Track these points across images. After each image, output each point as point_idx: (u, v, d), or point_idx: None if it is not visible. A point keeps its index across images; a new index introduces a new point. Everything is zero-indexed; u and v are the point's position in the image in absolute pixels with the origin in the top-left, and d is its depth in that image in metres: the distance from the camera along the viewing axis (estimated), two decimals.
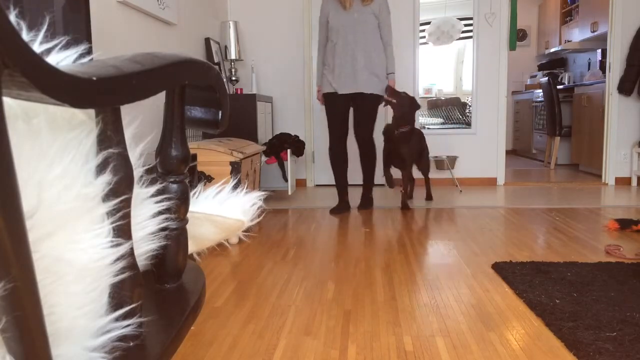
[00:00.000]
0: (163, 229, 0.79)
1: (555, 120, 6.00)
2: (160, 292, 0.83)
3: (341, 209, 3.67)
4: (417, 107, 3.65)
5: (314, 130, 4.96)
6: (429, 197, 4.08)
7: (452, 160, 4.88)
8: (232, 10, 4.91)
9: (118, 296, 0.63)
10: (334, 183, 4.72)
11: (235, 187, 1.02)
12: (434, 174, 5.00)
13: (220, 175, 2.95)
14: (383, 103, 3.60)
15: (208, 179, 2.96)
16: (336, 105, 3.58)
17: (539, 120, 6.80)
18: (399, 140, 3.59)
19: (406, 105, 3.55)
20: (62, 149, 0.59)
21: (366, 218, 3.46)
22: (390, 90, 3.53)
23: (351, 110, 3.64)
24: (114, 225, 0.63)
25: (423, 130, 5.06)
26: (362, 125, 3.56)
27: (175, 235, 0.82)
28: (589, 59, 6.89)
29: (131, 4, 2.78)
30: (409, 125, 3.59)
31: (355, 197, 3.94)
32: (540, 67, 7.89)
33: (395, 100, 3.52)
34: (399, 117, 3.57)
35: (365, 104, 3.53)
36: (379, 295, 1.96)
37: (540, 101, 6.65)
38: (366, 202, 3.72)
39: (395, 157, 3.66)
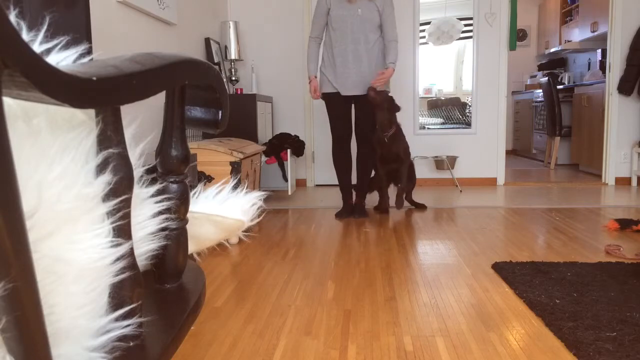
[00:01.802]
0: (163, 229, 0.79)
1: (555, 120, 6.00)
2: (160, 292, 0.83)
3: (347, 212, 3.54)
4: (397, 109, 3.44)
5: (314, 130, 4.96)
6: (400, 204, 3.51)
7: (452, 160, 4.88)
8: (232, 10, 4.91)
9: (118, 296, 0.63)
10: (334, 183, 4.73)
11: (235, 187, 1.02)
12: (434, 174, 5.00)
13: (220, 175, 2.95)
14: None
15: (208, 179, 2.96)
16: (338, 106, 3.44)
17: (539, 120, 6.80)
18: (391, 142, 3.45)
19: (386, 105, 3.35)
20: (62, 149, 0.59)
21: (366, 218, 3.45)
22: (373, 91, 3.33)
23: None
24: (114, 225, 0.63)
25: (423, 131, 5.08)
26: (365, 123, 3.43)
27: (175, 235, 0.82)
28: (589, 59, 6.89)
29: (131, 4, 2.78)
30: (393, 125, 3.44)
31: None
32: (540, 67, 7.89)
33: (377, 98, 3.31)
34: (383, 121, 3.39)
35: (368, 101, 3.37)
36: (379, 295, 1.96)
37: (540, 101, 6.65)
38: (361, 211, 3.50)
39: (391, 160, 3.52)
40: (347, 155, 3.54)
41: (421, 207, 3.77)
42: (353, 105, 3.52)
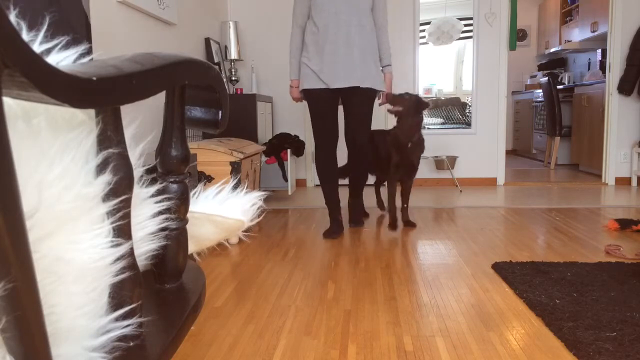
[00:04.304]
0: (163, 229, 0.79)
1: (555, 120, 6.00)
2: (160, 292, 0.83)
3: (336, 231, 2.95)
4: (425, 105, 3.00)
5: None
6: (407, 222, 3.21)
7: (452, 160, 4.88)
8: (232, 10, 4.91)
9: (118, 296, 0.63)
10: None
11: (235, 187, 1.02)
12: (434, 174, 5.00)
13: (220, 175, 2.94)
14: (379, 101, 3.02)
15: (208, 179, 2.96)
16: (324, 104, 2.89)
17: (539, 120, 6.80)
18: (412, 150, 3.03)
19: (412, 109, 2.96)
20: (62, 149, 0.59)
21: (366, 218, 3.45)
22: (391, 97, 2.91)
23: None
24: (114, 225, 0.63)
25: (423, 130, 5.06)
26: (357, 127, 2.91)
27: (175, 235, 0.82)
28: (589, 59, 6.89)
29: (131, 4, 2.78)
30: (418, 130, 3.03)
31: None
32: (540, 67, 7.89)
33: (401, 108, 2.93)
34: (408, 126, 2.98)
35: (361, 101, 2.88)
36: (379, 295, 1.96)
37: (540, 101, 6.65)
38: (358, 220, 3.15)
39: (406, 168, 3.09)
40: (333, 163, 2.98)
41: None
42: (341, 106, 3.01)
